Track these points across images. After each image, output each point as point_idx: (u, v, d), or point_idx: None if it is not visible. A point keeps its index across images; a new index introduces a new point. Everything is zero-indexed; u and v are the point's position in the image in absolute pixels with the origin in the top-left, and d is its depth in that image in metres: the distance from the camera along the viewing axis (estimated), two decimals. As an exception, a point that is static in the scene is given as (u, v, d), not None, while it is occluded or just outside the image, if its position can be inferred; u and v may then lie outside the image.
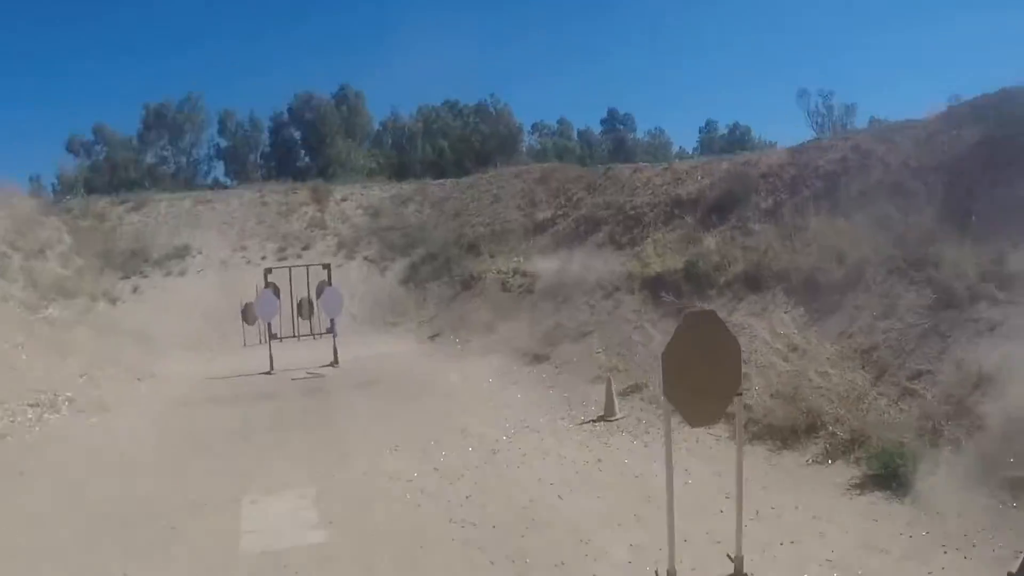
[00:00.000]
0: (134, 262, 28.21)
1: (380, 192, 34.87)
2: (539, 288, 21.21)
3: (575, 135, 65.34)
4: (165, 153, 55.66)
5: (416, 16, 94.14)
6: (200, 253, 29.51)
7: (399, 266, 29.07)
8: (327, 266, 21.21)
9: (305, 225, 31.90)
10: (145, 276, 27.80)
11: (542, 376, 16.19)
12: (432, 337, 22.61)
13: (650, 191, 22.67)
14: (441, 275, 27.29)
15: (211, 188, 40.27)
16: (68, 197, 32.28)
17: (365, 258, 29.87)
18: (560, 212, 26.73)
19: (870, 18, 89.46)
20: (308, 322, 21.58)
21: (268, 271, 19.98)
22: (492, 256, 26.43)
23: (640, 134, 66.09)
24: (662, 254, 18.54)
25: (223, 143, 57.20)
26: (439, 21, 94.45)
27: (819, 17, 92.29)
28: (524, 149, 58.56)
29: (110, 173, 48.43)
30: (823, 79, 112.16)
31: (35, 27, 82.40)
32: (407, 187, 35.56)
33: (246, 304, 21.70)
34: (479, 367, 17.72)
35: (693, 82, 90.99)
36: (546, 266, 22.03)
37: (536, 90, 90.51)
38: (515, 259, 25.06)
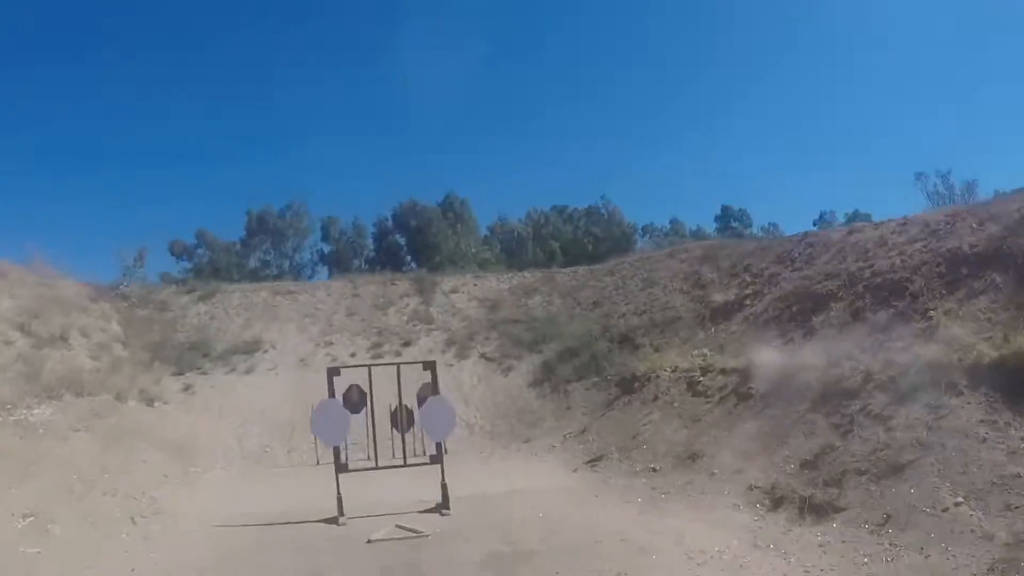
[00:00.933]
0: (191, 356, 22.32)
1: (497, 283, 28.70)
2: (762, 391, 13.63)
3: (687, 234, 59.40)
4: (268, 258, 53.28)
5: (518, 123, 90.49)
6: (274, 348, 23.35)
7: (527, 365, 22.48)
8: (431, 365, 12.87)
9: (406, 319, 25.81)
10: (203, 373, 21.71)
11: (851, 550, 8.34)
12: (592, 463, 15.26)
13: (896, 251, 15.99)
14: (587, 374, 20.60)
15: (293, 280, 34.19)
16: (125, 283, 26.63)
17: (483, 356, 23.30)
18: (748, 291, 20.16)
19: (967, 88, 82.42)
20: (402, 439, 14.40)
21: (334, 372, 12.21)
22: (657, 350, 19.82)
23: (755, 230, 60.09)
24: (988, 331, 11.05)
25: (326, 248, 54.92)
26: (542, 128, 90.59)
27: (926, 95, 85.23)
28: (638, 251, 54.33)
29: (212, 276, 44.49)
30: (936, 158, 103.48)
31: (140, 131, 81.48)
32: (530, 276, 29.22)
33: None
34: (701, 524, 10.10)
35: (804, 174, 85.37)
36: (763, 359, 14.54)
37: (645, 191, 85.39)
38: (696, 352, 18.03)
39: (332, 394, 11.90)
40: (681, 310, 21.57)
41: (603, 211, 57.81)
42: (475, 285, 28.16)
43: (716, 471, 11.98)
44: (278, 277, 48.78)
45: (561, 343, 22.42)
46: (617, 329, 22.09)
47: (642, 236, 59.40)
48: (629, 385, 18.40)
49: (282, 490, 14.01)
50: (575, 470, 14.95)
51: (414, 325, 25.19)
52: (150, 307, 25.15)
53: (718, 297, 20.87)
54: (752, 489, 10.77)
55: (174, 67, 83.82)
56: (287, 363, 22.54)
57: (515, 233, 55.53)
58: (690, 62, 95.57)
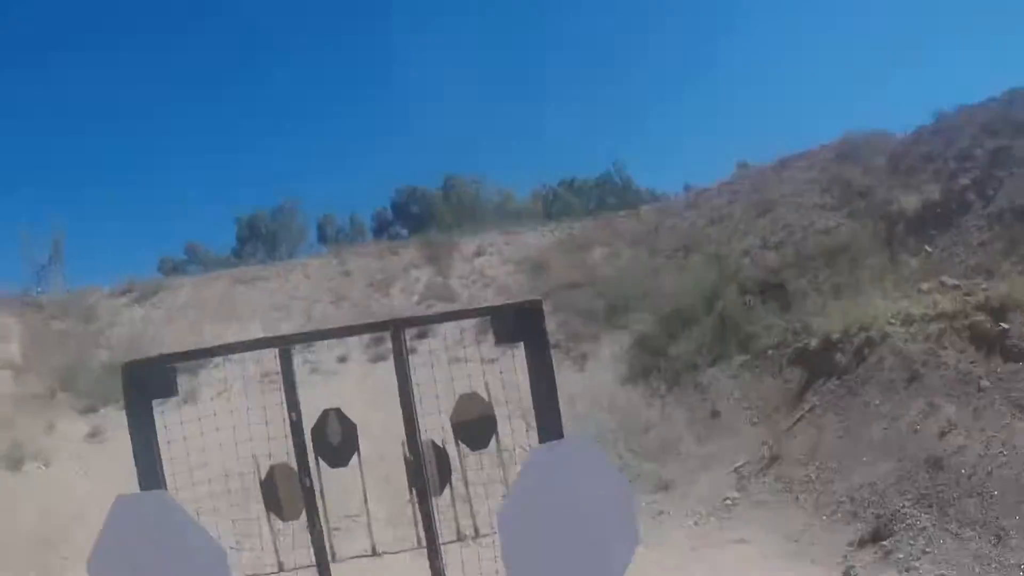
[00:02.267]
0: (110, 385, 15.01)
1: (537, 237, 20.93)
2: None
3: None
4: (262, 266, 47.90)
5: (517, 95, 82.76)
6: (228, 361, 15.26)
7: (611, 348, 15.03)
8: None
9: (417, 299, 18.70)
10: (122, 408, 13.75)
11: None
12: (859, 546, 7.99)
13: None
14: (723, 351, 13.09)
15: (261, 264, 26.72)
16: (39, 289, 21.16)
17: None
18: (963, 183, 13.02)
19: None
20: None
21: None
22: (836, 295, 12.38)
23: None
24: None
25: (323, 250, 49.51)
26: (544, 96, 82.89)
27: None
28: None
29: (208, 295, 40.32)
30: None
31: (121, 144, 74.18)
32: (582, 226, 21.37)
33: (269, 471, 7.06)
34: None
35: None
36: None
37: (656, 156, 77.30)
38: (929, 285, 11.05)
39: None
40: (843, 232, 13.89)
41: (617, 179, 49.83)
42: (507, 244, 20.67)
43: None
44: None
45: (657, 309, 14.92)
46: (745, 275, 14.27)
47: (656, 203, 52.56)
48: (824, 359, 10.94)
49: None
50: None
51: (429, 306, 17.95)
52: (72, 318, 18.78)
53: (909, 201, 13.19)
54: None
55: (144, 63, 75.74)
56: (245, 382, 15.00)
57: (516, 213, 49.53)
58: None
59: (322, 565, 4.07)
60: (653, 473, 11.18)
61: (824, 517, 8.50)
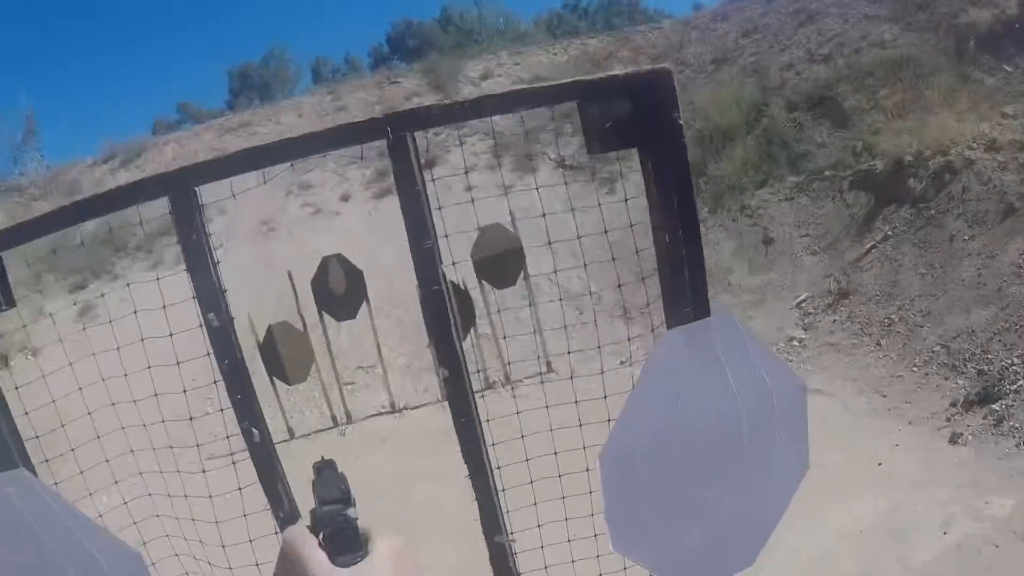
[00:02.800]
0: (100, 257, 14.41)
1: (550, 56, 19.23)
2: None
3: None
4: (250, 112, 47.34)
5: None
6: (220, 214, 13.74)
7: (639, 169, 13.10)
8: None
9: (424, 129, 15.93)
10: (115, 277, 13.83)
11: None
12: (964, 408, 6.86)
13: None
14: (773, 171, 11.76)
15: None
16: (19, 171, 20.18)
17: (560, 164, 14.35)
18: None
19: None
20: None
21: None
22: (898, 115, 10.87)
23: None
24: None
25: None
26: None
27: None
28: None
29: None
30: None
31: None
32: (597, 42, 19.59)
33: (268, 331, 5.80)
34: None
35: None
36: None
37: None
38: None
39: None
40: (902, 45, 12.19)
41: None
42: (517, 64, 19.09)
43: None
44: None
45: (690, 124, 13.22)
46: (791, 89, 12.74)
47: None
48: (895, 184, 9.69)
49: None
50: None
51: (436, 135, 15.94)
52: (53, 195, 17.38)
53: (980, 15, 11.58)
54: None
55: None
56: (242, 234, 13.80)
57: (528, 38, 47.21)
58: None
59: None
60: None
61: (915, 368, 7.40)
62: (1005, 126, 9.24)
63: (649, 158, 2.24)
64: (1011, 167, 8.55)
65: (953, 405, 6.85)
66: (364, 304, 6.75)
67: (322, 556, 0.94)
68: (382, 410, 9.19)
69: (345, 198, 14.82)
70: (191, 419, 5.52)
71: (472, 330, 6.76)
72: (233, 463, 3.13)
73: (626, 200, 2.85)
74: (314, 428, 8.68)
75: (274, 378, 7.85)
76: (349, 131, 2.31)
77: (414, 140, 2.21)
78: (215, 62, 77.66)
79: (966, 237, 8.35)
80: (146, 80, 69.92)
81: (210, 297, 2.22)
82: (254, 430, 2.35)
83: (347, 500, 1.04)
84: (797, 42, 14.38)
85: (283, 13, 70.06)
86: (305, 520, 1.07)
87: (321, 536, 0.99)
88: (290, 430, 8.60)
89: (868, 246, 9.35)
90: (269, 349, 7.38)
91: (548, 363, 9.45)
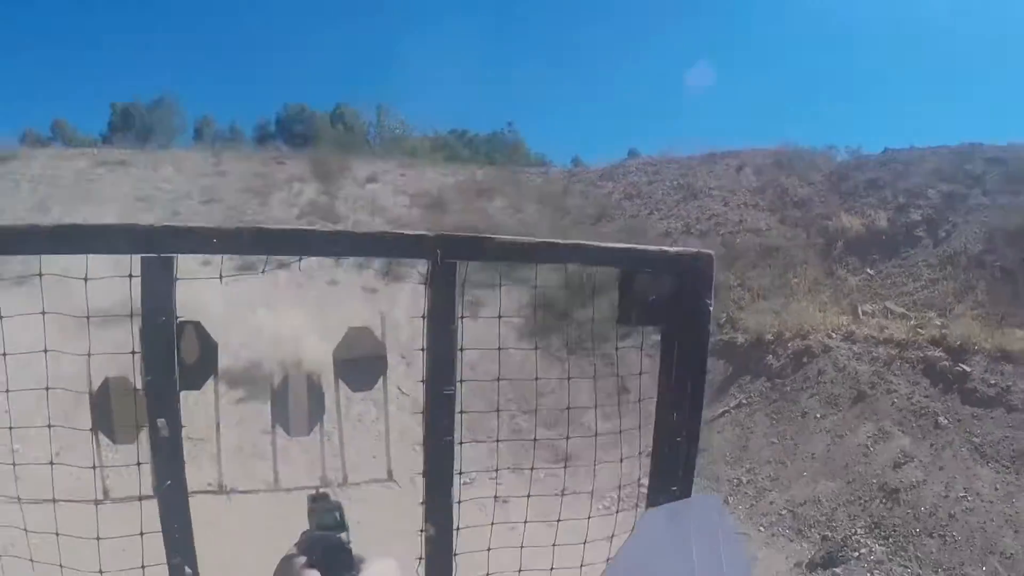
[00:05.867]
0: None
1: (437, 175, 19.48)
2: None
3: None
4: (130, 151, 45.62)
5: (422, 42, 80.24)
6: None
7: (512, 301, 13.14)
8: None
9: (298, 213, 16.72)
10: None
11: None
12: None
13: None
14: (633, 331, 11.45)
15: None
16: None
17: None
18: (915, 217, 12.89)
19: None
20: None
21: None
22: (762, 296, 11.90)
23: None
24: None
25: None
26: (446, 49, 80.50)
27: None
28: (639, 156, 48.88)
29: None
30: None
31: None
32: (484, 173, 20.03)
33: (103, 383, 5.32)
34: None
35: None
36: None
37: (549, 126, 76.12)
38: (872, 310, 10.13)
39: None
40: (774, 236, 13.07)
41: (508, 139, 48.47)
42: (403, 176, 19.10)
43: None
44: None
45: (565, 272, 13.49)
46: (663, 254, 13.37)
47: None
48: (753, 358, 10.36)
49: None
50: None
51: (311, 223, 15.62)
52: None
53: (852, 221, 12.59)
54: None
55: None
56: (96, 274, 12.92)
57: (412, 148, 47.71)
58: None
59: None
60: (551, 443, 10.10)
61: (761, 528, 7.55)
62: (863, 322, 9.96)
63: (674, 338, 2.25)
64: (865, 359, 9.13)
65: (798, 566, 7.00)
66: (212, 379, 6.45)
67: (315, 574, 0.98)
68: (208, 488, 8.59)
69: (206, 263, 14.30)
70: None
71: (320, 426, 6.55)
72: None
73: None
74: (132, 492, 7.98)
75: (99, 432, 7.32)
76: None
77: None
78: (99, 89, 74.34)
79: (818, 415, 8.76)
80: (22, 87, 66.82)
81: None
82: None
83: (342, 525, 1.09)
84: (677, 214, 15.20)
85: (179, 61, 69.57)
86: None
87: (314, 558, 1.04)
88: (105, 490, 7.91)
89: (722, 410, 9.65)
90: (101, 402, 6.91)
91: (390, 471, 9.21)
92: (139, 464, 3.79)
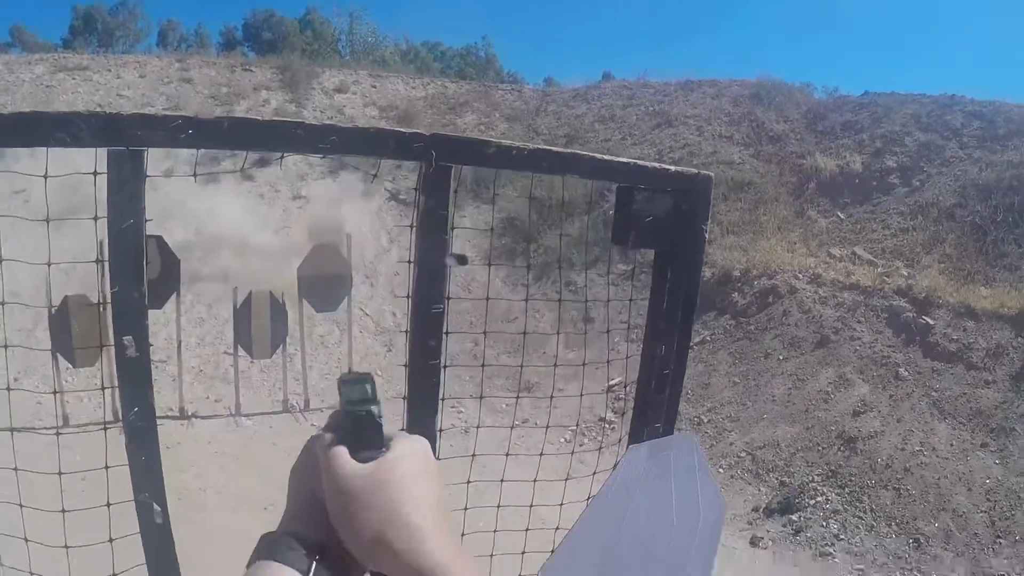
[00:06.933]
0: None
1: (406, 87, 19.00)
2: None
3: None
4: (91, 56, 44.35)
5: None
6: (32, 157, 12.46)
7: (471, 220, 13.33)
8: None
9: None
10: None
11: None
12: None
13: None
14: (601, 258, 11.68)
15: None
16: None
17: (394, 196, 14.08)
18: (890, 163, 12.61)
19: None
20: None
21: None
22: (730, 231, 11.88)
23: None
24: None
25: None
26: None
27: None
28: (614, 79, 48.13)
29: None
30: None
31: None
32: (456, 87, 19.47)
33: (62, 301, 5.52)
34: None
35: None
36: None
37: (524, 43, 74.52)
38: (843, 252, 9.85)
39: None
40: (748, 169, 12.97)
41: (482, 54, 47.20)
42: (373, 87, 18.63)
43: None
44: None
45: (537, 189, 13.30)
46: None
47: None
48: (719, 294, 10.38)
49: None
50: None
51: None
52: None
53: (826, 162, 12.53)
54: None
55: None
56: (53, 187, 12.57)
57: (384, 59, 46.40)
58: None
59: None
60: (515, 371, 10.07)
61: (720, 470, 7.64)
62: (830, 265, 9.94)
63: (668, 265, 2.18)
64: (831, 303, 9.16)
65: (755, 510, 7.11)
66: (175, 296, 6.45)
67: (342, 450, 0.94)
68: (169, 414, 8.47)
69: (168, 172, 13.93)
70: None
71: (282, 349, 6.51)
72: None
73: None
74: (91, 419, 7.84)
75: (58, 355, 7.17)
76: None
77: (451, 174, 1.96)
78: None
79: (780, 357, 8.81)
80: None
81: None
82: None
83: (372, 399, 1.01)
84: (651, 140, 15.02)
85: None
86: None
87: (341, 435, 0.98)
88: (65, 417, 7.78)
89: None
90: (60, 322, 6.76)
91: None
92: (102, 389, 3.70)
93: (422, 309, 1.94)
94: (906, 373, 8.06)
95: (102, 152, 1.76)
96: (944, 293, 8.79)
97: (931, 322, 8.49)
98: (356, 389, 1.02)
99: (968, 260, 9.91)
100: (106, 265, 1.84)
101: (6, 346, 5.40)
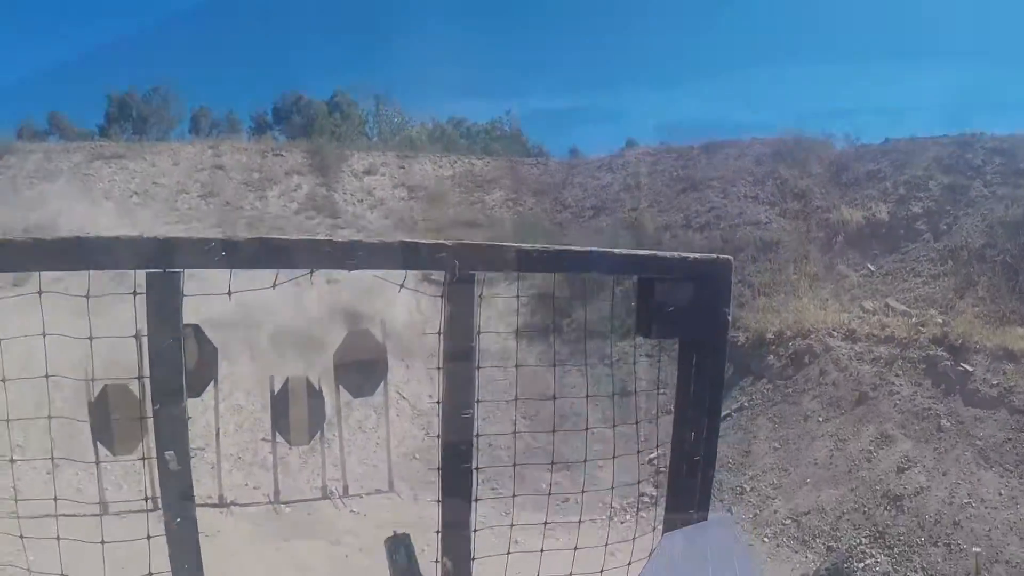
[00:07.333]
0: None
1: (434, 167, 19.24)
2: None
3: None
4: (127, 144, 45.47)
5: (420, 30, 78.67)
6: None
7: (504, 297, 13.23)
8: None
9: (297, 208, 16.66)
10: None
11: None
12: None
13: None
14: (631, 331, 11.16)
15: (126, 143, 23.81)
16: None
17: (426, 277, 13.84)
18: (915, 210, 12.62)
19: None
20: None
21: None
22: (765, 293, 11.69)
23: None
24: None
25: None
26: (447, 37, 78.77)
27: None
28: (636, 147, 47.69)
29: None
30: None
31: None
32: (480, 163, 19.79)
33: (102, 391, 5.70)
34: None
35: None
36: None
37: (548, 115, 74.40)
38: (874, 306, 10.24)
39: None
40: (774, 230, 13.01)
41: (506, 127, 48.74)
42: (401, 168, 18.89)
43: None
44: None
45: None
46: (667, 249, 13.21)
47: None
48: (754, 358, 10.36)
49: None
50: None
51: (309, 218, 16.21)
52: None
53: (852, 214, 12.68)
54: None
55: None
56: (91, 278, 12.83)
57: (410, 139, 46.53)
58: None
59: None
60: (550, 449, 9.98)
61: (765, 539, 7.52)
62: (864, 319, 9.91)
63: (692, 350, 2.20)
64: (867, 358, 9.11)
65: (804, 578, 7.00)
66: (212, 384, 6.58)
67: None
68: (208, 502, 8.49)
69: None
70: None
71: (320, 435, 6.58)
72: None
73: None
74: (128, 506, 7.89)
75: (98, 443, 7.27)
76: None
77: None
78: (96, 80, 73.23)
79: (820, 418, 8.74)
80: (15, 75, 65.84)
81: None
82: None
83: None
84: (677, 206, 15.08)
85: (174, 46, 68.65)
86: None
87: None
88: (103, 504, 7.83)
89: (724, 414, 9.62)
90: (100, 412, 6.87)
91: (391, 481, 9.13)
92: (144, 499, 3.72)
93: (452, 415, 1.98)
94: (948, 424, 7.99)
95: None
96: (981, 337, 8.77)
97: (970, 368, 8.44)
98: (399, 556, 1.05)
99: (1002, 301, 9.88)
100: (144, 350, 1.91)
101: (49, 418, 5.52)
